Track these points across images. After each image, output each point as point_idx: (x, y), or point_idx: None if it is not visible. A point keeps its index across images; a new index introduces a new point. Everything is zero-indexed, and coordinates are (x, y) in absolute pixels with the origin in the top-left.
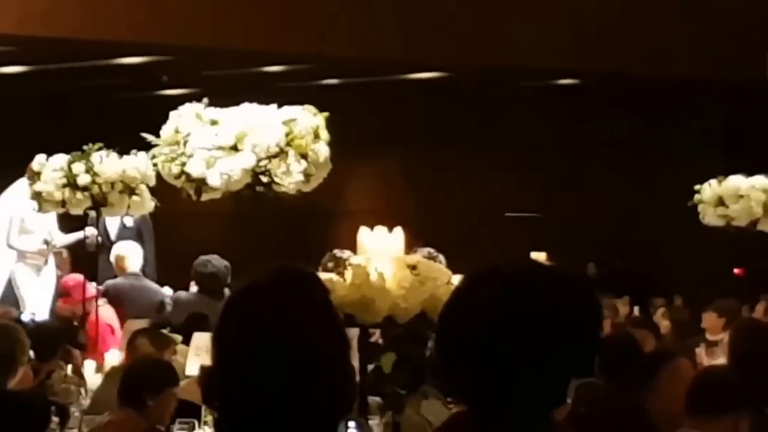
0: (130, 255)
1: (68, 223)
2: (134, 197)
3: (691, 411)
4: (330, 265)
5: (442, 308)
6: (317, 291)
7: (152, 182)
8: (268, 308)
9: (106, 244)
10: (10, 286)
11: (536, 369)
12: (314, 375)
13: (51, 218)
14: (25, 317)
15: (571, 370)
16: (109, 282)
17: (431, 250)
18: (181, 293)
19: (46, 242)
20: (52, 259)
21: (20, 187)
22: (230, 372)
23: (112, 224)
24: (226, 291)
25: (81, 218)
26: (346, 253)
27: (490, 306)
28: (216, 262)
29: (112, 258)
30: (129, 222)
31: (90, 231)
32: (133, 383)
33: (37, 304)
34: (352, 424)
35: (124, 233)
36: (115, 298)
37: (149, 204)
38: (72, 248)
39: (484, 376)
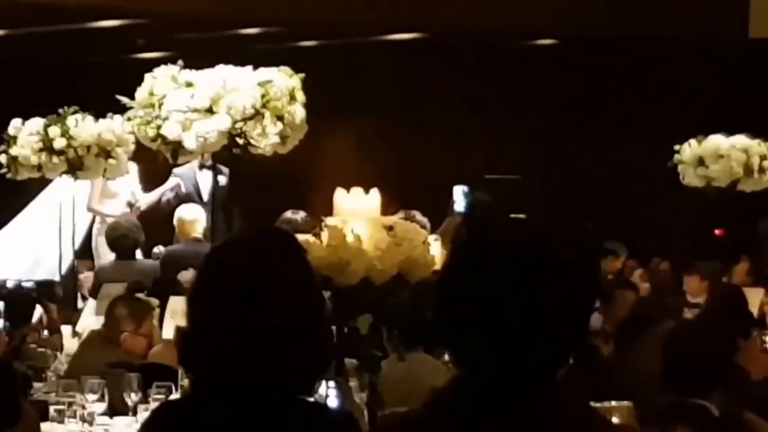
0: (200, 219)
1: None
2: (110, 160)
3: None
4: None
5: (442, 269)
6: (293, 251)
7: (129, 145)
8: (244, 269)
9: (196, 202)
10: (91, 253)
11: (540, 330)
12: (290, 335)
13: (133, 178)
14: None
15: (574, 331)
16: (169, 249)
17: (417, 213)
18: (104, 263)
19: (130, 204)
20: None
21: None
22: (206, 333)
23: (204, 181)
24: (139, 252)
25: (160, 177)
26: (300, 214)
27: (492, 266)
28: (125, 223)
29: (175, 221)
30: (222, 180)
31: (174, 182)
32: None
33: None
34: (331, 384)
35: (218, 193)
36: (171, 266)
37: (126, 167)
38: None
39: (486, 339)
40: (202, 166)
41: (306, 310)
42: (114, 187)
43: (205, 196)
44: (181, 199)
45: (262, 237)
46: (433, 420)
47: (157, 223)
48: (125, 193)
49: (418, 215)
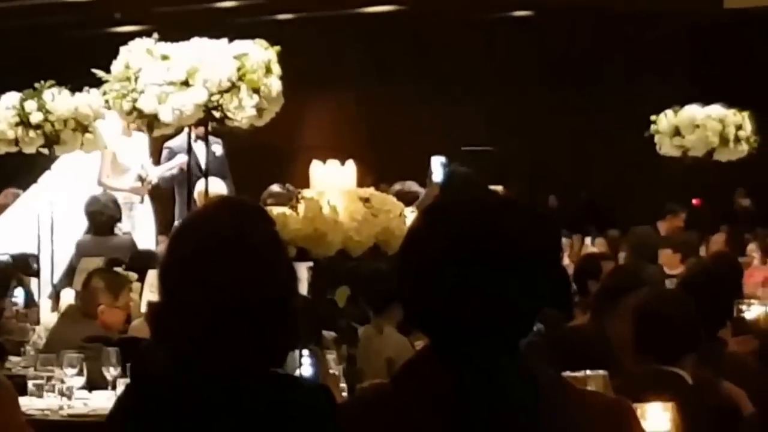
0: (221, 192)
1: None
2: (87, 134)
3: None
4: (270, 201)
5: (404, 240)
6: (262, 222)
7: (105, 119)
8: (213, 240)
9: (197, 175)
10: None
11: (501, 298)
12: (262, 306)
13: (143, 152)
14: None
15: (536, 299)
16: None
17: (413, 183)
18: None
19: (141, 179)
20: (147, 199)
21: (109, 121)
22: (177, 306)
23: (200, 153)
24: (117, 228)
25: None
26: (287, 188)
27: (454, 235)
28: (103, 198)
29: (195, 194)
30: (218, 150)
31: (181, 160)
32: None
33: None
34: (306, 353)
35: (215, 163)
36: None
37: (102, 141)
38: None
39: (448, 308)
40: (197, 138)
41: (277, 283)
42: (123, 161)
43: (203, 168)
44: (185, 174)
45: (228, 208)
46: (402, 392)
47: (168, 196)
48: (135, 166)
49: (415, 186)
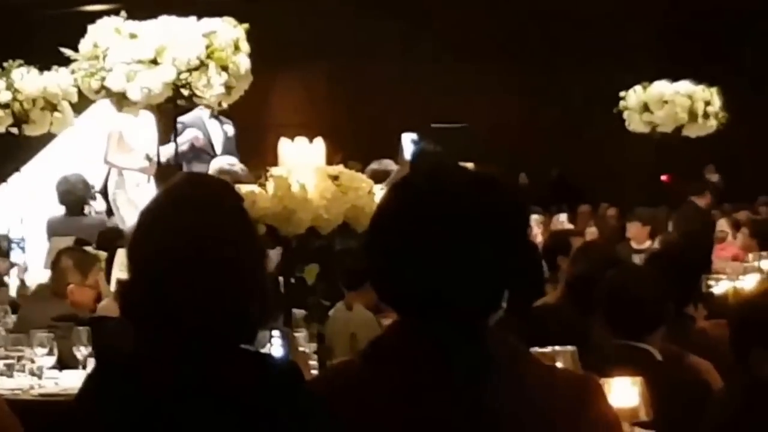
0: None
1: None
2: (56, 114)
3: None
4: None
5: (374, 214)
6: (230, 199)
7: (74, 99)
8: (181, 218)
9: (209, 153)
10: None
11: (469, 272)
12: (229, 283)
13: (151, 131)
14: None
15: (504, 274)
16: None
17: (390, 162)
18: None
19: (149, 158)
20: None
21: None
22: (145, 283)
23: (215, 133)
24: (90, 207)
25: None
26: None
27: (422, 209)
28: (73, 178)
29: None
30: (230, 131)
31: (192, 134)
32: None
33: None
34: (276, 333)
35: (227, 144)
36: None
37: (72, 120)
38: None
39: (417, 282)
40: (210, 116)
41: (243, 258)
42: (130, 140)
43: (218, 148)
44: (196, 151)
45: (194, 185)
46: (371, 367)
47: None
48: (142, 146)
49: (392, 164)
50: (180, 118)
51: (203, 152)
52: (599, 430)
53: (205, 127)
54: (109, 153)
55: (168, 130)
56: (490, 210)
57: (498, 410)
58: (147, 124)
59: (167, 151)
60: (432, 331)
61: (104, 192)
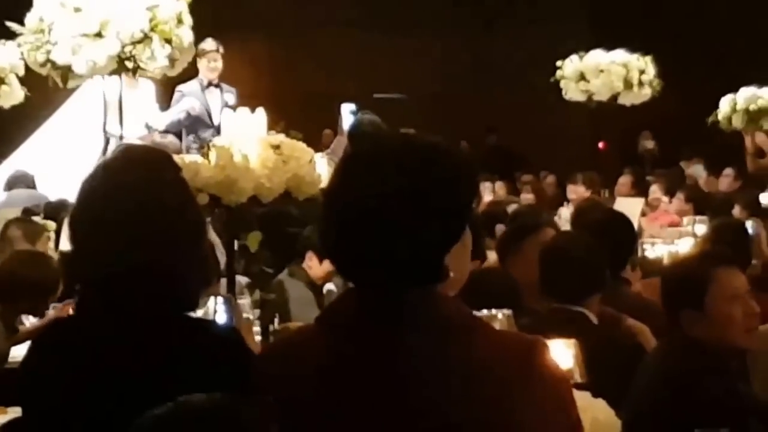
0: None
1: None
2: (3, 87)
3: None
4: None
5: (328, 185)
6: (167, 169)
7: (21, 72)
8: (120, 187)
9: (207, 123)
10: None
11: (420, 240)
12: (170, 251)
13: (150, 99)
14: None
15: (452, 239)
16: None
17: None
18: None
19: (148, 126)
20: None
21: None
22: (87, 253)
23: (214, 102)
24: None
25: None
26: (169, 137)
27: (369, 178)
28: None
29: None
30: (231, 100)
31: (189, 103)
32: None
33: None
34: (219, 300)
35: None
36: None
37: (19, 94)
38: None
39: (366, 250)
40: (209, 84)
41: (185, 228)
42: (128, 110)
43: (216, 118)
44: (192, 119)
45: (132, 156)
46: (320, 333)
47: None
48: (141, 115)
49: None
50: (179, 87)
51: (200, 121)
52: (548, 386)
53: (204, 96)
54: (107, 123)
55: (167, 99)
56: (439, 176)
57: (451, 372)
58: (146, 93)
59: (166, 120)
60: (385, 297)
61: None
